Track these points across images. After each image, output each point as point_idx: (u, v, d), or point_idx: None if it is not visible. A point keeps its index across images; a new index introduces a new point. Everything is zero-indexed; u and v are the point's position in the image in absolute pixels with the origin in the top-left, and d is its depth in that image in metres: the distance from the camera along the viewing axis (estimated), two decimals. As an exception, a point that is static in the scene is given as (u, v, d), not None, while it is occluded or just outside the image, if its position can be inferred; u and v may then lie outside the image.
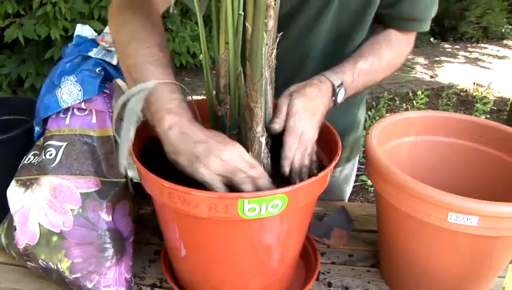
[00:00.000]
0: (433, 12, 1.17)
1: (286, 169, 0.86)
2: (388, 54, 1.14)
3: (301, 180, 0.86)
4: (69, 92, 0.97)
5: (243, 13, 0.77)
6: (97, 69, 0.99)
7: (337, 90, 1.00)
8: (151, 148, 0.96)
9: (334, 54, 1.19)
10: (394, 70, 1.19)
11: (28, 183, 0.96)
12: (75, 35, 1.08)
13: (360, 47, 1.15)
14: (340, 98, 1.01)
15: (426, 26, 1.18)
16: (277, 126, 0.88)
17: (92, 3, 3.94)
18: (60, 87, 0.98)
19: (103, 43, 1.04)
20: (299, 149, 0.88)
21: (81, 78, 0.98)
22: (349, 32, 1.18)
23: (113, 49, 1.04)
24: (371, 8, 1.13)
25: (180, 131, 0.79)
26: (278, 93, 0.91)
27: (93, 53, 1.01)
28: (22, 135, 1.09)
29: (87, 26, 1.09)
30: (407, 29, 1.17)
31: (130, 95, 0.80)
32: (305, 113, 0.90)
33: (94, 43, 1.05)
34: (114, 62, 1.01)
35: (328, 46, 1.20)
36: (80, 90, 0.97)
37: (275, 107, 0.91)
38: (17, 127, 1.09)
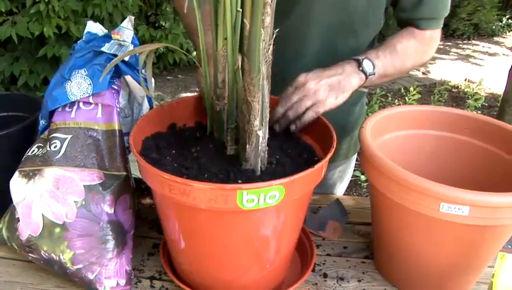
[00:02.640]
0: (448, 9, 1.23)
1: (280, 109, 1.00)
2: (411, 42, 1.19)
3: (287, 127, 1.01)
4: (78, 85, 0.98)
5: (241, 10, 0.78)
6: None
7: (361, 60, 1.07)
8: (153, 143, 0.98)
9: (335, 48, 1.22)
10: (421, 61, 1.23)
11: (31, 174, 0.97)
12: (85, 32, 1.09)
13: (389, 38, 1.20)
14: (367, 68, 1.08)
15: (441, 24, 1.24)
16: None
17: (85, 1, 3.94)
18: (69, 80, 0.99)
19: (118, 36, 1.06)
20: (297, 94, 1.00)
21: (92, 72, 0.99)
22: (353, 26, 1.21)
23: (125, 44, 1.05)
24: (375, 4, 1.18)
25: None
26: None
27: (105, 48, 1.02)
28: (20, 131, 1.10)
29: (97, 24, 1.10)
30: (426, 27, 1.21)
31: None
32: (309, 74, 1.02)
33: (106, 38, 1.06)
34: (126, 58, 1.02)
35: (329, 39, 1.22)
36: (90, 84, 0.98)
37: (273, 102, 0.93)
38: (16, 123, 1.10)
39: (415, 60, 1.21)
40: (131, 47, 1.05)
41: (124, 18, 1.09)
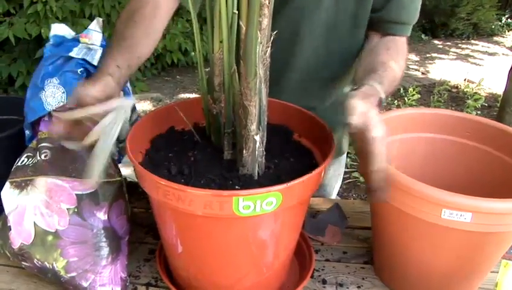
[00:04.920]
0: (417, 17, 1.20)
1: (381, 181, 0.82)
2: (401, 60, 1.15)
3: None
4: (53, 94, 0.96)
5: (237, 12, 0.77)
6: (79, 70, 0.98)
7: (383, 104, 0.98)
8: (150, 148, 0.96)
9: (327, 48, 1.20)
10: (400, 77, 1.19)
11: (23, 184, 0.95)
12: (51, 34, 1.05)
13: (376, 52, 1.14)
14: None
15: (409, 31, 1.21)
16: (356, 120, 0.82)
17: (82, 1, 3.93)
18: (44, 90, 0.97)
19: (86, 40, 1.03)
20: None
21: (64, 80, 0.97)
22: (344, 26, 1.19)
23: (94, 47, 1.03)
24: (364, 4, 1.15)
25: None
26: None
27: (74, 53, 1.00)
28: (14, 135, 1.08)
29: (63, 25, 1.07)
30: (401, 32, 1.19)
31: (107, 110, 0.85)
32: (382, 121, 0.86)
33: (75, 41, 1.04)
34: (95, 62, 0.99)
35: (321, 39, 1.20)
36: (64, 92, 0.96)
37: (272, 105, 0.91)
38: (10, 127, 1.09)
39: (400, 80, 1.15)
40: (99, 50, 1.02)
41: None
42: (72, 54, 1.00)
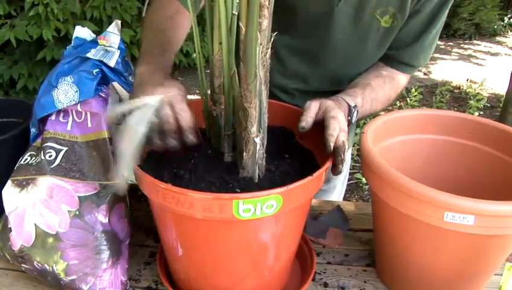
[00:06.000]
0: (426, 62, 1.27)
1: (331, 144, 0.87)
2: (389, 89, 1.22)
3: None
4: (65, 92, 0.96)
5: (236, 13, 0.76)
6: (94, 71, 0.98)
7: (353, 111, 1.04)
8: (150, 150, 0.96)
9: (342, 74, 1.27)
10: (389, 105, 1.28)
11: (24, 183, 0.95)
12: (73, 37, 1.07)
13: (365, 76, 1.22)
14: (354, 118, 1.05)
15: (414, 72, 1.30)
16: (303, 123, 0.91)
17: (84, 3, 3.92)
18: (56, 88, 0.97)
19: (104, 42, 1.04)
20: (341, 133, 0.90)
21: (78, 79, 0.97)
22: (364, 60, 1.25)
23: (112, 49, 1.03)
24: (386, 43, 1.20)
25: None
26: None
27: (91, 54, 1.00)
28: (15, 137, 1.08)
29: (85, 28, 1.09)
30: (404, 71, 1.26)
31: (134, 107, 0.83)
32: (339, 110, 0.94)
33: (93, 43, 1.05)
34: (112, 64, 1.00)
35: (340, 66, 1.25)
36: (76, 91, 0.96)
37: (273, 107, 0.91)
38: (10, 129, 1.08)
39: (384, 106, 1.24)
40: (117, 52, 1.02)
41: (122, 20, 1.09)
42: (89, 54, 1.00)
